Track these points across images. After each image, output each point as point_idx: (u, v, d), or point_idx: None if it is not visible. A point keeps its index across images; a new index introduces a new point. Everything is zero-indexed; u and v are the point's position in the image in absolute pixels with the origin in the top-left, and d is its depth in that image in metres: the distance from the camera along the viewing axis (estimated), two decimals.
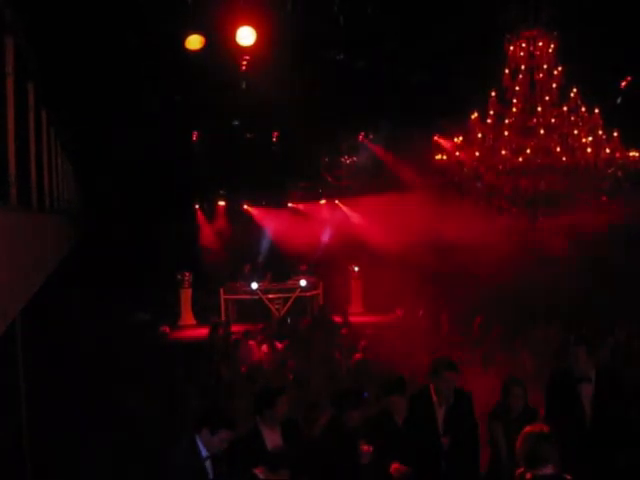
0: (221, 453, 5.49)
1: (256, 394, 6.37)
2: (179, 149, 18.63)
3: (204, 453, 5.45)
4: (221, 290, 20.45)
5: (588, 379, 6.79)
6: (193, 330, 18.62)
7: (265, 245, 22.18)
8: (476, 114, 12.58)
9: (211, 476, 5.45)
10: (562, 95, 12.50)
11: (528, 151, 12.16)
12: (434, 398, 6.90)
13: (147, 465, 6.23)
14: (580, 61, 12.70)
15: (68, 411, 9.14)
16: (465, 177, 13.24)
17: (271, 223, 22.56)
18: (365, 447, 6.18)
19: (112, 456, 8.05)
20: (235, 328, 16.10)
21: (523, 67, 12.48)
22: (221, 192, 22.59)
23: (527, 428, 5.02)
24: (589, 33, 12.43)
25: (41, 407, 8.22)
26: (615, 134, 12.38)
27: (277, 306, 20.13)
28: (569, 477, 4.86)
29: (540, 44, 12.44)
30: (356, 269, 21.39)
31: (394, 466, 6.38)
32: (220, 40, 11.64)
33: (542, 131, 12.23)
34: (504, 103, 12.59)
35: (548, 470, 4.79)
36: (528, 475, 4.83)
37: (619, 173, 12.48)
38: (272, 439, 6.11)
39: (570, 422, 6.59)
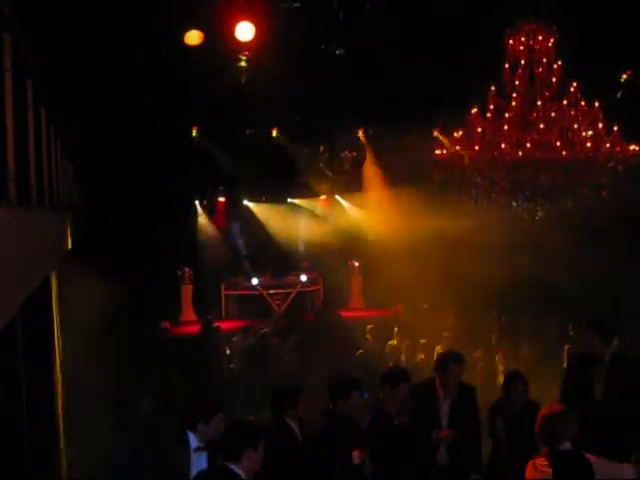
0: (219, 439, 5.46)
1: (276, 394, 6.40)
2: (179, 145, 18.60)
3: (193, 444, 5.50)
4: (222, 286, 20.46)
5: (601, 362, 6.85)
6: (194, 326, 18.61)
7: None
8: (476, 109, 12.55)
9: (204, 465, 5.47)
10: (562, 89, 12.47)
11: (528, 145, 12.14)
12: (439, 391, 6.90)
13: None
14: (580, 55, 12.68)
15: (69, 410, 9.14)
16: (465, 171, 13.23)
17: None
18: (356, 452, 6.15)
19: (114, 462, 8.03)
20: (236, 324, 16.14)
21: (523, 61, 12.44)
22: (221, 188, 22.56)
23: (543, 410, 5.30)
24: (589, 26, 12.41)
25: (41, 406, 8.21)
26: (615, 128, 12.36)
27: (278, 301, 20.15)
28: (584, 453, 5.01)
29: (540, 38, 12.40)
30: (356, 264, 21.39)
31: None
32: (219, 35, 11.63)
33: (542, 125, 12.20)
34: (504, 97, 12.57)
35: (565, 446, 5.04)
36: (545, 449, 5.07)
37: (619, 167, 12.46)
38: (297, 432, 6.28)
39: (582, 404, 6.67)
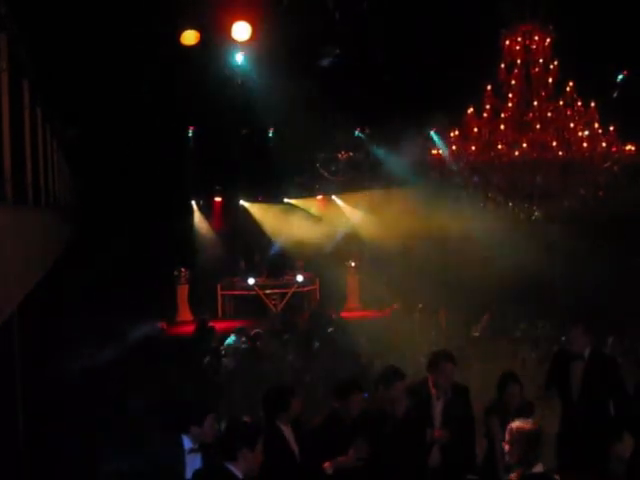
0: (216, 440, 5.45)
1: (267, 397, 6.35)
2: (175, 144, 18.59)
3: (187, 445, 5.48)
4: (218, 286, 20.46)
5: (581, 357, 6.92)
6: (190, 326, 18.59)
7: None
8: (472, 109, 12.55)
9: (199, 465, 5.46)
10: (558, 89, 12.47)
11: (524, 145, 12.14)
12: (432, 391, 6.91)
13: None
14: (576, 55, 12.69)
15: (65, 408, 9.14)
16: (461, 172, 13.22)
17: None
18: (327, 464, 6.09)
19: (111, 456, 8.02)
20: (232, 324, 16.13)
21: (519, 61, 12.44)
22: (217, 188, 22.56)
23: (516, 424, 5.06)
24: (586, 27, 12.43)
25: (38, 405, 8.21)
26: (611, 128, 12.36)
27: (274, 302, 20.17)
28: (557, 477, 4.93)
29: (536, 38, 12.41)
30: (352, 264, 21.39)
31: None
32: (215, 35, 11.62)
33: (538, 125, 12.20)
34: (500, 97, 12.56)
35: (538, 468, 4.84)
36: (516, 473, 4.86)
37: (615, 167, 12.46)
38: (288, 435, 6.22)
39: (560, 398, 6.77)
